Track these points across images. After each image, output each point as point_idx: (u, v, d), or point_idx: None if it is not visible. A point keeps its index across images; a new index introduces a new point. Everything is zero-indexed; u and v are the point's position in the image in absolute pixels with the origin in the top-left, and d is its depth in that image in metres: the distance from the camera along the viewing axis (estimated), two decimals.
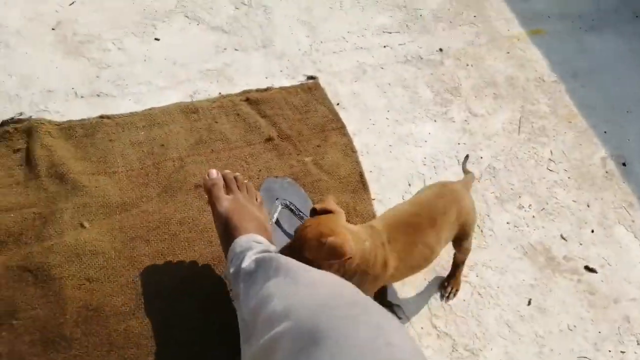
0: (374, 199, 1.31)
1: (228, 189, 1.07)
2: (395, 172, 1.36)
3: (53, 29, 1.60)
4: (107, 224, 1.20)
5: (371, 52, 1.61)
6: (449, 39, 1.67)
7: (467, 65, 1.61)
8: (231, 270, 0.92)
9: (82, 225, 1.19)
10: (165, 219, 1.22)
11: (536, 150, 1.46)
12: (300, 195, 1.28)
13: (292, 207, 1.23)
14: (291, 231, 1.20)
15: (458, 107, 1.51)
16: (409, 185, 1.34)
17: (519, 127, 1.51)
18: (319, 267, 0.86)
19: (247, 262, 0.88)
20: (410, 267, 1.01)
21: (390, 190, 1.33)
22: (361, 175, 1.34)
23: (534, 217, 1.34)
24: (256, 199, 1.09)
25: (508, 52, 1.67)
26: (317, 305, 0.69)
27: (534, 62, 1.66)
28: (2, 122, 1.35)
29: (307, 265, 0.84)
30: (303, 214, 1.23)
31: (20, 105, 1.41)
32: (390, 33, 1.67)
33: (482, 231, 1.30)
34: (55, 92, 1.45)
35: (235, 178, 1.09)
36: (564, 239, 1.32)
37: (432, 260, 1.04)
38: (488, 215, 1.34)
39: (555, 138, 1.50)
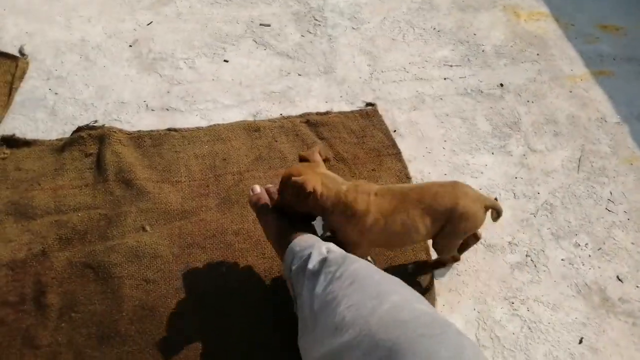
0: None
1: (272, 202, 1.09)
2: None
3: (130, 45, 1.71)
4: (167, 229, 1.25)
5: (431, 83, 1.64)
6: (510, 75, 1.67)
7: (528, 101, 1.60)
8: (293, 268, 0.93)
9: (143, 229, 1.25)
10: (222, 228, 1.26)
11: (595, 190, 1.43)
12: None
13: None
14: None
15: (517, 141, 1.50)
16: None
17: (579, 166, 1.47)
18: (296, 205, 0.99)
19: (313, 263, 0.89)
20: (391, 232, 1.01)
21: None
22: None
23: (590, 256, 1.30)
24: None
25: (570, 91, 1.65)
26: (393, 320, 0.69)
27: (596, 102, 1.63)
28: (77, 128, 1.44)
29: (371, 271, 0.85)
30: None
31: (95, 114, 1.51)
32: (451, 66, 1.69)
33: (535, 266, 1.27)
34: (128, 103, 1.54)
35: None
36: (620, 280, 1.26)
37: (412, 237, 1.02)
38: (543, 251, 1.30)
39: (616, 179, 1.46)
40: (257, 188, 1.10)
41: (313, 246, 0.92)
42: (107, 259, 1.19)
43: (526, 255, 1.28)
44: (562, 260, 1.28)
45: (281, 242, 0.99)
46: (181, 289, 1.15)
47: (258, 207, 1.07)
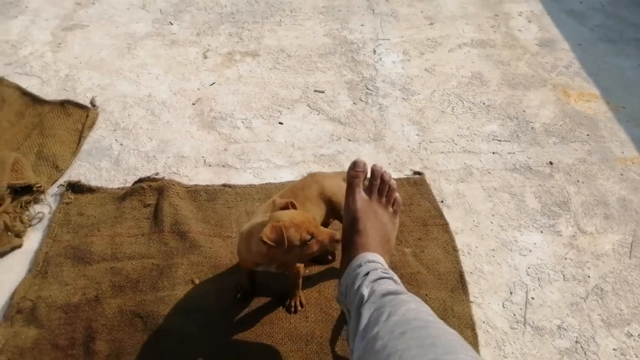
0: (472, 302, 1.29)
1: (368, 188, 1.03)
2: (496, 277, 1.35)
3: (193, 104, 1.81)
4: (216, 284, 1.28)
5: (479, 157, 1.66)
6: (559, 154, 1.68)
7: (578, 181, 1.60)
8: (344, 289, 0.91)
9: (192, 282, 1.28)
10: (270, 286, 1.27)
11: None
12: None
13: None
14: None
15: (566, 221, 1.49)
16: (510, 293, 1.31)
17: (630, 251, 1.44)
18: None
19: (364, 291, 0.85)
20: None
21: (490, 295, 1.31)
22: (461, 275, 1.33)
23: None
24: (392, 205, 1.04)
25: (621, 174, 1.64)
26: None
27: None
28: (139, 179, 1.52)
29: (423, 318, 0.80)
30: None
31: (156, 166, 1.59)
32: (499, 141, 1.72)
33: (585, 354, 1.23)
34: (187, 158, 1.62)
35: (382, 176, 1.04)
36: None
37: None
38: (593, 338, 1.26)
39: None
40: (361, 163, 1.03)
41: (368, 273, 0.89)
42: (157, 309, 1.22)
43: (576, 342, 1.24)
44: (613, 350, 1.24)
45: (349, 242, 0.96)
46: (226, 349, 1.16)
47: (351, 187, 1.02)
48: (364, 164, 1.03)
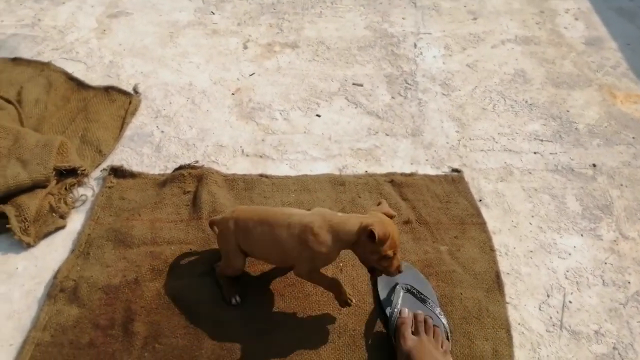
0: (508, 303, 1.27)
1: (416, 330, 1.12)
2: (534, 279, 1.32)
3: (233, 94, 1.83)
4: (251, 272, 1.30)
5: (520, 156, 1.63)
6: (603, 156, 1.64)
7: (621, 185, 1.56)
8: None
9: None
10: (302, 279, 1.28)
11: None
12: (418, 278, 1.28)
13: (414, 291, 1.24)
14: None
15: (608, 225, 1.45)
16: (548, 296, 1.29)
17: None
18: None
19: None
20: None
21: (526, 297, 1.29)
22: (497, 275, 1.32)
23: None
24: (441, 346, 1.11)
25: None
26: None
27: None
28: (179, 166, 1.55)
29: None
30: (425, 296, 1.22)
31: (195, 154, 1.62)
32: (542, 141, 1.68)
33: None
34: (226, 147, 1.64)
35: (425, 320, 1.14)
36: None
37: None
38: (632, 345, 1.23)
39: None
40: (406, 311, 1.16)
41: None
42: (194, 294, 1.24)
43: (613, 348, 1.21)
44: None
45: None
46: (257, 335, 1.18)
47: (401, 332, 1.12)
48: (409, 311, 1.15)
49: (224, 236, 1.20)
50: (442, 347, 1.10)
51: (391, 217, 1.10)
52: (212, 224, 1.26)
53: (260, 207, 1.26)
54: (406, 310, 1.16)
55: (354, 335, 1.19)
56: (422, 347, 1.07)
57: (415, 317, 1.14)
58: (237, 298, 1.24)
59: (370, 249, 1.05)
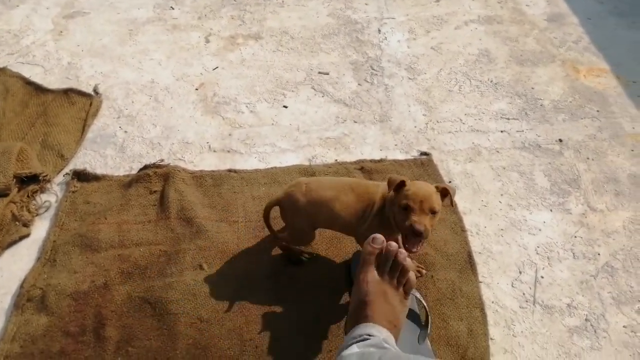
0: (481, 282, 1.28)
1: (381, 268, 0.97)
2: (505, 256, 1.33)
3: (196, 89, 1.80)
4: (223, 269, 1.28)
5: (487, 135, 1.64)
6: (569, 131, 1.66)
7: (588, 158, 1.58)
8: (338, 353, 0.88)
9: (200, 267, 1.28)
10: (278, 271, 1.27)
11: None
12: None
13: None
14: None
15: (576, 199, 1.47)
16: (520, 272, 1.30)
17: None
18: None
19: (350, 351, 0.83)
20: None
21: (499, 275, 1.30)
22: (469, 255, 1.32)
23: None
24: (404, 286, 0.97)
25: (632, 150, 1.61)
26: None
27: None
28: (144, 166, 1.52)
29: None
30: None
31: (161, 153, 1.59)
32: (508, 119, 1.69)
33: (595, 332, 1.22)
34: (192, 144, 1.61)
35: (397, 255, 0.97)
36: None
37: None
38: (603, 316, 1.25)
39: None
40: (379, 240, 0.97)
41: (362, 338, 0.86)
42: (165, 295, 1.22)
43: (585, 320, 1.23)
44: (623, 327, 1.23)
45: (354, 321, 0.92)
46: (233, 331, 1.17)
47: (364, 264, 0.97)
48: (383, 241, 0.97)
49: (294, 212, 1.16)
50: (404, 287, 0.97)
51: (441, 190, 1.05)
52: (271, 207, 1.20)
53: (325, 178, 1.22)
54: (379, 238, 0.98)
55: (332, 325, 1.18)
56: (379, 293, 0.95)
57: (387, 251, 0.96)
58: (306, 255, 1.29)
59: (389, 199, 1.07)
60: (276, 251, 1.32)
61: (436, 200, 1.02)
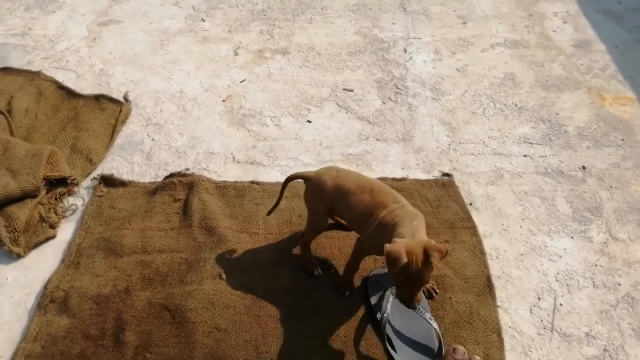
0: (499, 306, 1.28)
1: None
2: (524, 282, 1.33)
3: (224, 100, 1.83)
4: (242, 279, 1.29)
5: (510, 159, 1.64)
6: (592, 158, 1.65)
7: (611, 187, 1.57)
8: None
9: (220, 276, 1.30)
10: (294, 285, 1.28)
11: None
12: None
13: None
14: (404, 319, 1.21)
15: (598, 227, 1.46)
16: (539, 299, 1.29)
17: None
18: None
19: None
20: None
21: (517, 300, 1.29)
22: (488, 279, 1.32)
23: None
24: None
25: None
26: None
27: None
28: (170, 174, 1.55)
29: None
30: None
31: (186, 161, 1.62)
32: (531, 144, 1.69)
33: None
34: (216, 154, 1.64)
35: None
36: None
37: None
38: (622, 347, 1.23)
39: None
40: (461, 351, 1.09)
41: None
42: (184, 303, 1.24)
43: (604, 350, 1.22)
44: None
45: None
46: (249, 342, 1.18)
47: None
48: (464, 353, 1.09)
49: (318, 192, 1.22)
50: None
51: (440, 251, 1.04)
52: (297, 178, 1.27)
53: (355, 173, 1.26)
54: (460, 349, 1.09)
55: (346, 342, 1.19)
56: None
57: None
58: (319, 270, 1.30)
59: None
60: (297, 269, 1.33)
61: (427, 278, 1.05)
